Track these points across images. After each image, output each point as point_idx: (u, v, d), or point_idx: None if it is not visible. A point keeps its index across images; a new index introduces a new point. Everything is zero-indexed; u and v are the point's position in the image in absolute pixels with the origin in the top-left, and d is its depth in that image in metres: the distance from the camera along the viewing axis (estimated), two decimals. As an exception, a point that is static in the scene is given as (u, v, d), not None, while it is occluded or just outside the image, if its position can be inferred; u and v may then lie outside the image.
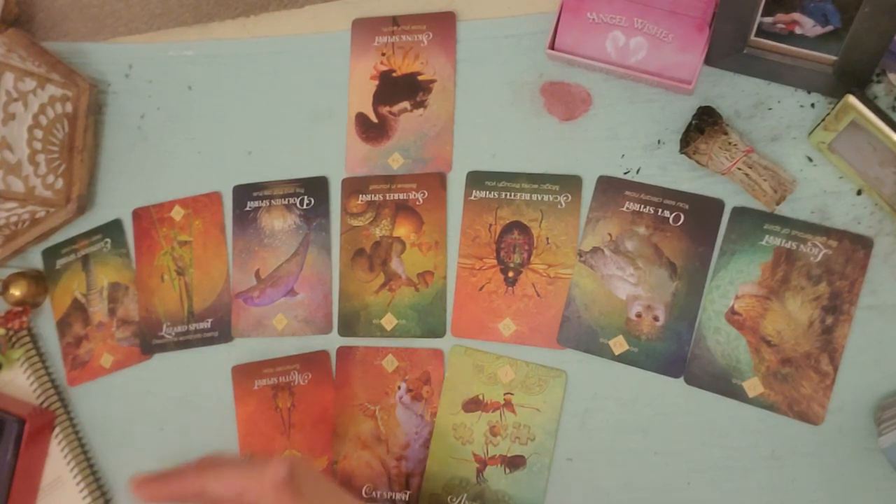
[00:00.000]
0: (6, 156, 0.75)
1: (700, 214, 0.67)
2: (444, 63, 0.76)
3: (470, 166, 0.74)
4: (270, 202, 0.79)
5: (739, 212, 0.66)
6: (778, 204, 0.64)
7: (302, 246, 0.78)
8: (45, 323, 0.86)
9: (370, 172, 0.77)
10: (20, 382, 0.84)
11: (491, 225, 0.73)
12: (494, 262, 0.72)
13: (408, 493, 0.73)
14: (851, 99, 0.59)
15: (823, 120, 0.62)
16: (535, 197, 0.72)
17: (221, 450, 0.79)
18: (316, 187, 0.78)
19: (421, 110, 0.76)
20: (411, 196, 0.75)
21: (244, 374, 0.78)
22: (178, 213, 0.82)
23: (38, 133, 0.78)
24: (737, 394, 0.65)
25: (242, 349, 0.79)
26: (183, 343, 0.80)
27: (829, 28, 0.61)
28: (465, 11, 0.76)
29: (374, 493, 0.74)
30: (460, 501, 0.71)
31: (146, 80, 0.85)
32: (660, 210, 0.68)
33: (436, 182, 0.75)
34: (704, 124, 0.65)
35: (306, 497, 0.57)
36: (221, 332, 0.79)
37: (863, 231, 0.64)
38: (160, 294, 0.82)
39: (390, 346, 0.74)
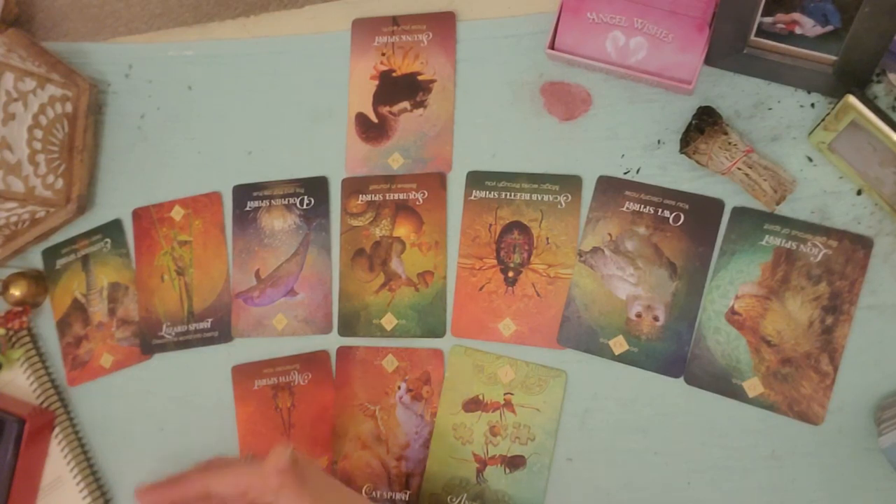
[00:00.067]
0: (6, 156, 0.75)
1: (700, 214, 0.67)
2: (444, 63, 0.76)
3: (470, 166, 0.74)
4: (270, 202, 0.79)
5: (739, 212, 0.66)
6: (778, 204, 0.64)
7: (302, 246, 0.78)
8: (45, 323, 0.86)
9: (370, 172, 0.77)
10: (20, 382, 0.84)
11: (491, 225, 0.73)
12: (494, 262, 0.72)
13: (408, 493, 0.73)
14: (851, 99, 0.59)
15: (823, 120, 0.62)
16: (535, 197, 0.72)
17: (221, 450, 0.79)
18: (316, 187, 0.78)
19: (421, 110, 0.76)
20: (411, 196, 0.75)
21: (244, 374, 0.78)
22: (178, 213, 0.82)
23: (38, 133, 0.78)
24: (737, 394, 0.65)
25: (242, 349, 0.79)
26: (183, 343, 0.80)
27: (829, 28, 0.61)
28: (465, 11, 0.76)
29: (374, 493, 0.74)
30: (460, 501, 0.71)
31: (146, 80, 0.85)
32: (660, 210, 0.68)
33: (436, 182, 0.75)
34: (704, 124, 0.65)
35: (309, 485, 0.57)
36: (221, 332, 0.79)
37: (863, 231, 0.64)
38: (160, 294, 0.82)
39: (390, 346, 0.74)
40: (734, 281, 0.66)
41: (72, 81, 0.83)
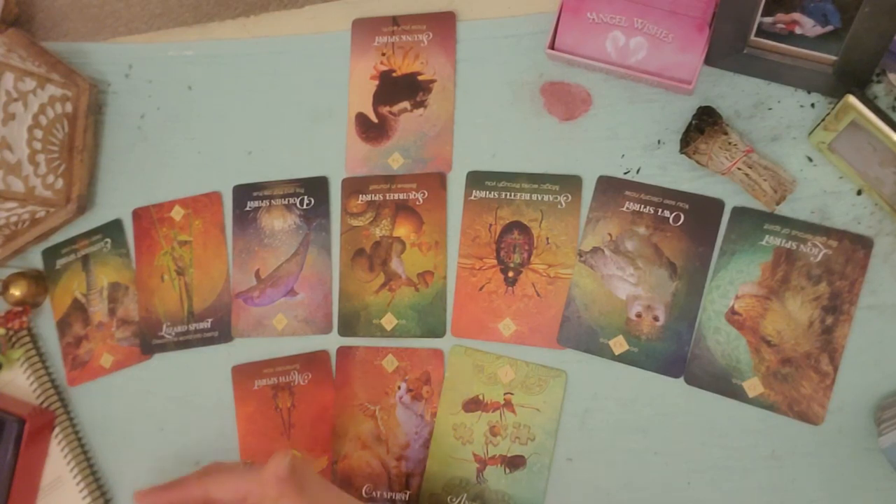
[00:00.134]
0: (6, 156, 0.75)
1: (700, 214, 0.67)
2: (444, 63, 0.76)
3: (470, 166, 0.74)
4: (270, 202, 0.79)
5: (739, 212, 0.66)
6: (778, 204, 0.64)
7: (302, 246, 0.78)
8: (45, 323, 0.86)
9: (370, 172, 0.77)
10: (20, 382, 0.84)
11: (491, 225, 0.73)
12: (494, 262, 0.72)
13: (408, 493, 0.73)
14: (851, 99, 0.59)
15: (823, 120, 0.62)
16: (535, 197, 0.72)
17: (221, 450, 0.79)
18: (316, 187, 0.78)
19: (421, 110, 0.76)
20: (411, 196, 0.75)
21: (244, 374, 0.78)
22: (178, 213, 0.82)
23: (38, 133, 0.78)
24: (737, 394, 0.65)
25: (242, 349, 0.79)
26: (183, 343, 0.80)
27: (829, 28, 0.61)
28: (465, 11, 0.76)
29: (373, 493, 0.74)
30: (460, 501, 0.71)
31: (146, 80, 0.85)
32: (660, 210, 0.68)
33: (436, 182, 0.75)
34: (704, 124, 0.65)
35: (308, 492, 0.57)
36: (221, 332, 0.79)
37: (863, 231, 0.64)
38: (160, 294, 0.82)
39: (390, 346, 0.74)
40: (734, 281, 0.66)
41: (72, 81, 0.83)
